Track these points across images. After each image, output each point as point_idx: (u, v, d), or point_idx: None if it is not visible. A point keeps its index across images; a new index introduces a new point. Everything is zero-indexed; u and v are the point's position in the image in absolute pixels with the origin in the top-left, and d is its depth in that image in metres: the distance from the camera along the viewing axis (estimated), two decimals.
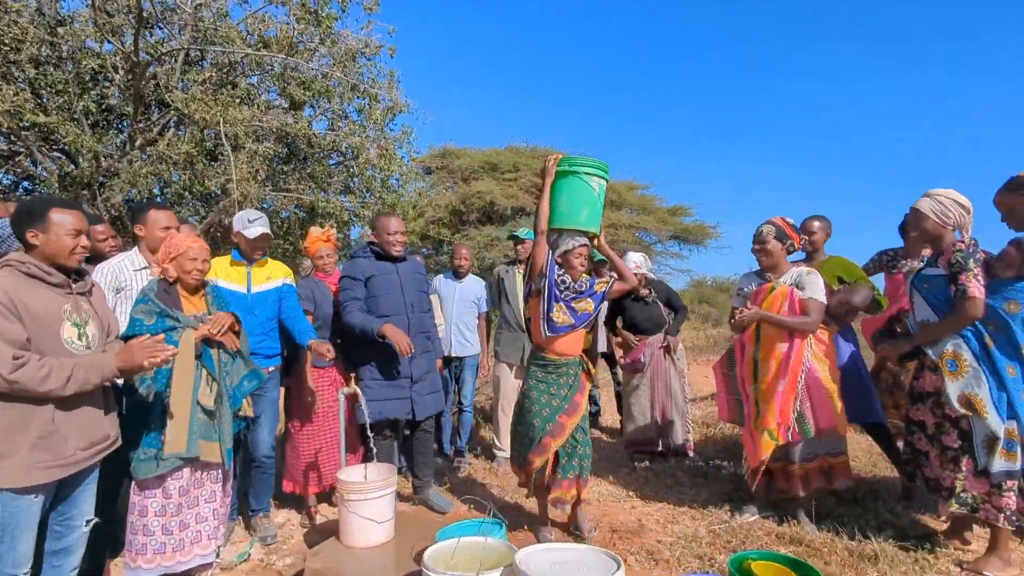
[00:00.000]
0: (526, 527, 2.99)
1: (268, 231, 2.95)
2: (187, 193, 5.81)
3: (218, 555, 2.46)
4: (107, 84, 5.77)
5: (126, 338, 2.21)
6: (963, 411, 2.32)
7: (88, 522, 1.97)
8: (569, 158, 2.76)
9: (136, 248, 2.64)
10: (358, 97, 7.11)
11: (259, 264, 3.00)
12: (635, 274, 3.60)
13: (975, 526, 2.66)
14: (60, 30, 5.22)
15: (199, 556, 2.29)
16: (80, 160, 5.24)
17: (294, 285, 3.10)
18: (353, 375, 2.91)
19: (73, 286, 1.93)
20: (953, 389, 2.33)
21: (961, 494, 2.37)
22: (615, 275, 2.88)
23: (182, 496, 2.26)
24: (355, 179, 7.28)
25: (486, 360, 4.11)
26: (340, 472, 2.53)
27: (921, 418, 2.58)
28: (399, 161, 7.37)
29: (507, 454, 3.97)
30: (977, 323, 2.33)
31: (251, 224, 2.91)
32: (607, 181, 2.81)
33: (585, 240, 2.78)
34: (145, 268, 2.58)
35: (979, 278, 2.31)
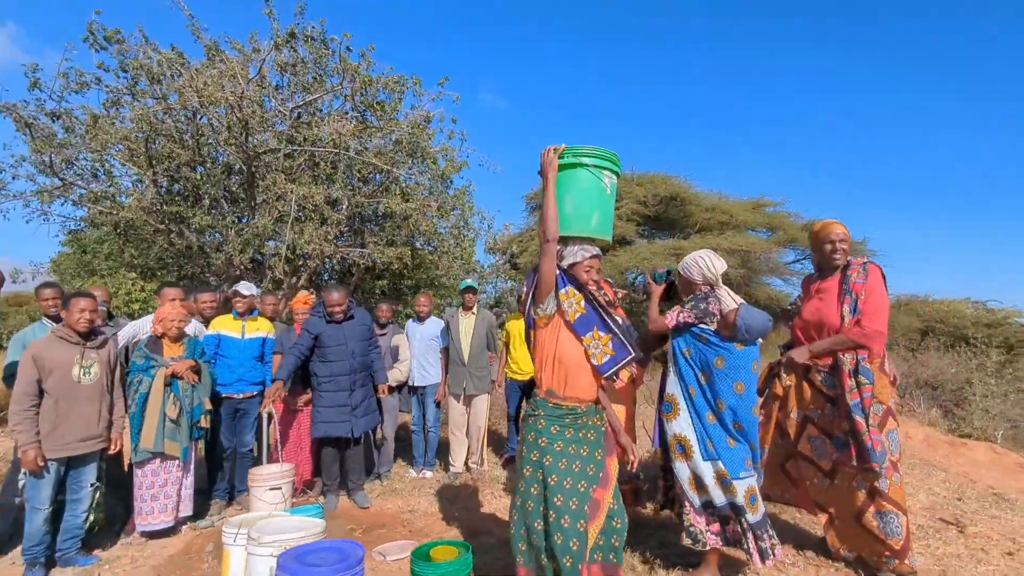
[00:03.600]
0: None
1: (254, 294, 4.28)
2: (278, 256, 7.60)
3: (184, 523, 3.66)
4: (233, 177, 7.86)
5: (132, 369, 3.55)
6: (676, 454, 2.59)
7: (92, 485, 3.27)
8: (574, 148, 2.25)
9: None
10: (421, 161, 8.51)
11: (251, 320, 4.28)
12: None
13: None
14: (199, 141, 7.36)
15: (163, 522, 3.48)
16: (205, 234, 7.32)
17: (273, 339, 4.32)
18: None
19: (86, 343, 3.27)
20: (668, 428, 2.63)
21: (690, 528, 2.60)
22: None
23: (154, 477, 3.49)
24: (415, 232, 8.61)
25: (442, 389, 4.88)
26: (254, 468, 3.58)
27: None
28: (461, 216, 8.66)
29: (457, 469, 4.73)
30: (693, 370, 2.61)
31: (243, 289, 4.26)
32: (618, 176, 2.35)
33: (598, 251, 2.32)
34: None
35: (682, 315, 2.65)
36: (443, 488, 4.45)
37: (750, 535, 2.47)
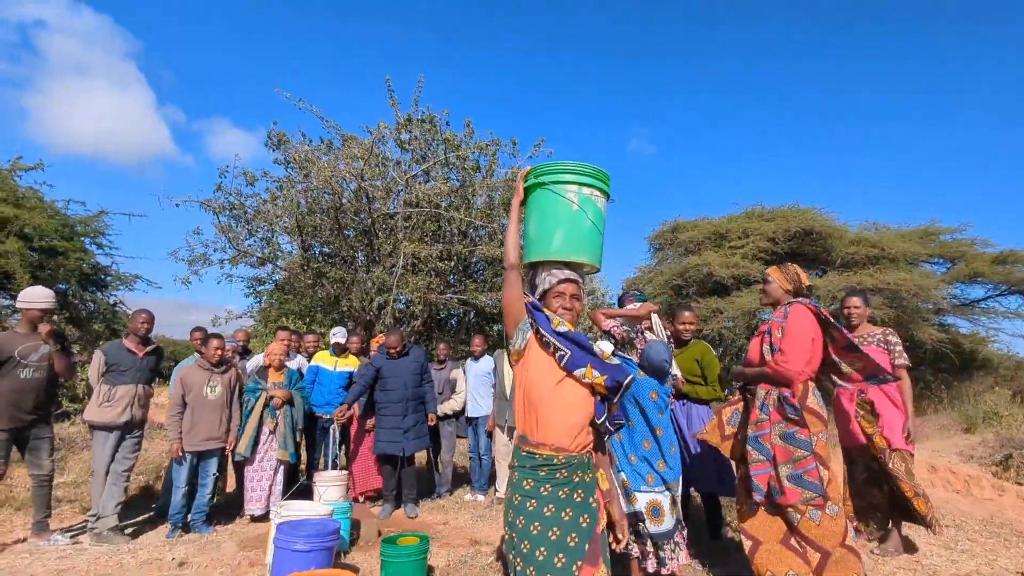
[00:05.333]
0: None
1: (341, 341, 5.41)
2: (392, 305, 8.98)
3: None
4: (362, 238, 9.54)
5: (246, 390, 4.81)
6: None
7: (214, 475, 4.50)
8: (538, 167, 2.05)
9: None
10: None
11: (343, 356, 5.44)
12: None
13: None
14: (337, 213, 9.16)
15: (258, 509, 4.61)
16: (342, 285, 8.99)
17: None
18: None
19: (215, 370, 4.58)
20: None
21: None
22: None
23: (253, 474, 4.64)
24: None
25: (492, 421, 5.50)
26: (318, 471, 4.54)
27: None
28: None
29: (502, 494, 5.27)
30: (634, 403, 2.92)
31: (334, 336, 5.46)
32: (603, 191, 2.08)
33: (570, 274, 2.00)
34: None
35: (615, 328, 3.02)
36: (483, 509, 5.03)
37: (648, 542, 2.72)
